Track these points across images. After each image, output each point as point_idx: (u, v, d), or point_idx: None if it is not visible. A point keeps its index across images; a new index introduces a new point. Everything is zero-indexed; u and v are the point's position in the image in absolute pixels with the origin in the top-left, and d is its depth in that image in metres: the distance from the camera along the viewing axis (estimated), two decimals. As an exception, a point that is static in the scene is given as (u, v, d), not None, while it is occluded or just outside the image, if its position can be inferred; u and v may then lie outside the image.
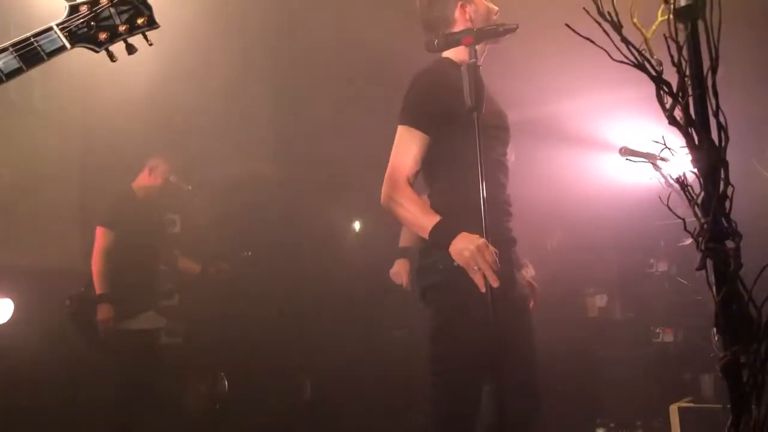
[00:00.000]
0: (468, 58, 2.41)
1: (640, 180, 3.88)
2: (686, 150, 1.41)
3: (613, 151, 3.72)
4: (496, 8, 2.60)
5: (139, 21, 1.61)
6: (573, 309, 4.69)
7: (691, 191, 1.39)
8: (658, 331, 4.31)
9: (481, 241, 2.14)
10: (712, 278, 1.35)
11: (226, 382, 5.24)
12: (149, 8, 1.62)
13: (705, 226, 1.25)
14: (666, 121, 1.41)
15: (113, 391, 4.43)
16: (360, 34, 4.65)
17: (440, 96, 2.34)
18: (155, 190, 4.57)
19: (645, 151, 3.52)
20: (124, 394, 4.30)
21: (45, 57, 1.51)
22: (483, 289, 2.12)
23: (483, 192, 2.15)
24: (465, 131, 2.21)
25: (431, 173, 2.48)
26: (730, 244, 1.28)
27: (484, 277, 2.12)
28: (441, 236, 2.26)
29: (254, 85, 5.42)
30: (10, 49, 1.49)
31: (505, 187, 2.51)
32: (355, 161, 5.14)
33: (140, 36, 1.66)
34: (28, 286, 4.86)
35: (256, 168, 5.63)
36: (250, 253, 4.88)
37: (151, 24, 1.63)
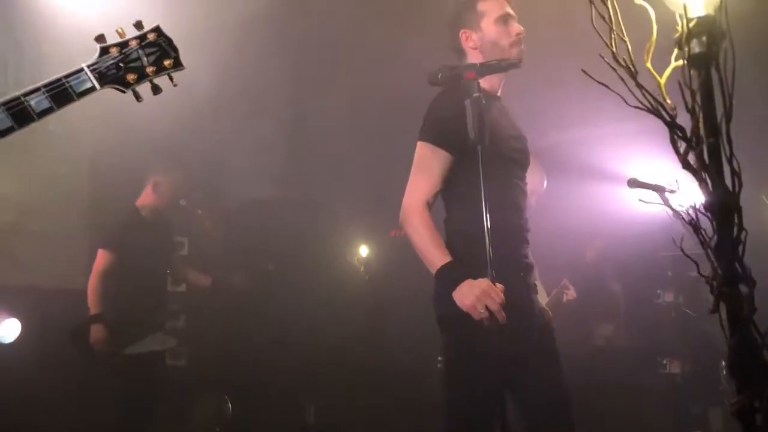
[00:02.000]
0: (490, 86, 2.44)
1: (648, 210, 3.90)
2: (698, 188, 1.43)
3: (622, 183, 3.75)
4: (519, 28, 2.50)
5: (166, 63, 1.65)
6: (578, 338, 4.68)
7: (704, 234, 1.41)
8: (665, 362, 4.28)
9: (485, 284, 2.12)
10: (725, 320, 1.36)
11: (230, 406, 5.22)
12: (176, 50, 1.66)
13: (719, 271, 1.26)
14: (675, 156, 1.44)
15: (117, 412, 4.42)
16: (374, 60, 4.71)
17: (461, 116, 2.25)
18: (160, 208, 4.47)
19: (654, 183, 3.56)
20: (128, 416, 4.28)
21: (75, 97, 1.56)
22: (488, 325, 2.12)
23: (487, 223, 2.13)
24: (482, 157, 2.18)
25: (449, 197, 2.46)
26: (743, 288, 1.29)
27: (491, 314, 2.11)
28: (446, 280, 2.25)
29: (266, 108, 5.47)
30: (42, 90, 1.53)
31: (523, 212, 2.50)
32: (367, 187, 5.18)
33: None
34: (35, 306, 4.87)
35: (266, 192, 5.66)
36: (271, 267, 4.83)
37: (177, 66, 1.67)
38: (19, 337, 4.91)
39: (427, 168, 2.38)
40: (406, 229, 2.36)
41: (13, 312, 4.91)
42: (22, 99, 1.51)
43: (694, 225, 1.41)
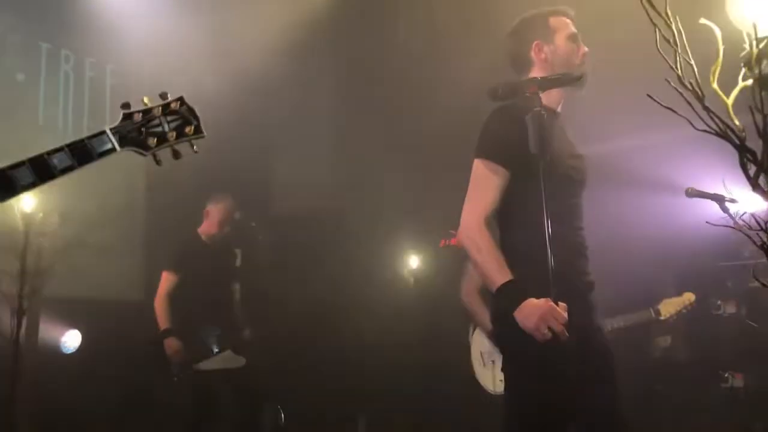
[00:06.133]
0: (549, 102, 2.42)
1: (706, 220, 3.78)
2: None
3: (678, 192, 3.66)
4: (585, 49, 2.54)
5: (187, 129, 1.74)
6: (635, 349, 4.56)
7: (776, 258, 1.37)
8: (726, 375, 4.12)
9: (546, 306, 2.11)
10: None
11: (283, 415, 5.28)
12: (197, 118, 1.76)
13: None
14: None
15: (175, 421, 4.56)
16: (421, 73, 4.73)
17: (520, 133, 2.23)
18: (214, 235, 4.73)
19: (713, 193, 3.45)
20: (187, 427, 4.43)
21: (95, 157, 1.68)
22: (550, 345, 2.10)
23: (548, 239, 2.12)
24: (542, 173, 2.16)
25: (505, 216, 2.42)
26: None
27: (554, 335, 2.10)
28: (508, 299, 2.23)
29: (316, 122, 5.54)
30: (65, 149, 1.65)
31: (581, 230, 2.47)
32: (416, 197, 5.19)
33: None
34: (95, 317, 5.04)
35: (315, 203, 5.71)
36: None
37: (198, 133, 1.76)
38: (80, 347, 5.09)
39: (485, 185, 2.36)
40: (465, 246, 2.34)
41: (75, 323, 5.09)
42: (45, 157, 1.63)
43: (766, 249, 1.37)
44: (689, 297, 3.78)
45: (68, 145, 1.65)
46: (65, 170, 1.64)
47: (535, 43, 2.53)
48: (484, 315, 3.92)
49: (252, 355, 4.67)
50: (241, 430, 4.94)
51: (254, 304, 4.92)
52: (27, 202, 4.07)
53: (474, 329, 4.23)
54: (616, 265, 3.87)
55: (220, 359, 4.48)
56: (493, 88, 2.30)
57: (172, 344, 4.37)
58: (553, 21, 2.55)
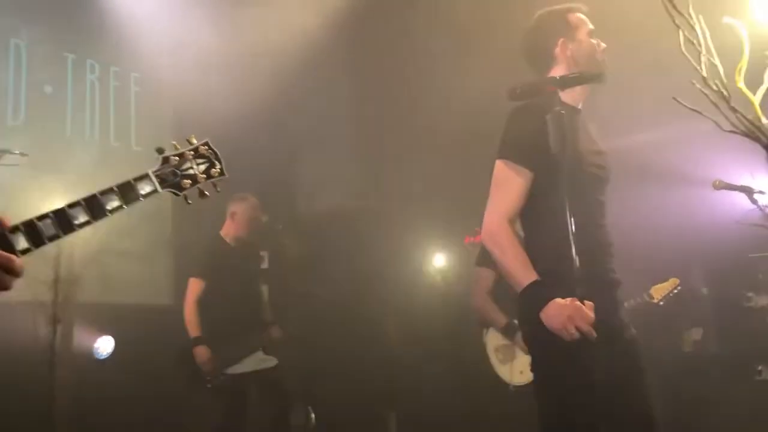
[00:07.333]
0: (572, 99, 2.41)
1: (733, 212, 3.74)
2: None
3: (705, 184, 3.61)
4: (603, 45, 2.52)
5: (213, 171, 1.90)
6: (666, 343, 4.52)
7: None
8: (760, 368, 4.08)
9: (572, 305, 2.09)
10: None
11: (313, 416, 5.32)
12: (221, 161, 1.93)
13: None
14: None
15: (207, 425, 4.60)
16: (442, 71, 4.73)
17: (541, 132, 2.22)
18: (241, 235, 4.65)
19: (740, 185, 3.40)
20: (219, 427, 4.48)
21: (141, 198, 1.78)
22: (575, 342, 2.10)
23: (572, 239, 2.11)
24: (564, 172, 2.15)
25: (528, 215, 2.41)
26: None
27: (582, 334, 2.09)
28: (533, 299, 2.22)
29: (339, 123, 5.56)
30: (115, 189, 1.73)
31: (605, 228, 2.44)
32: (441, 194, 5.19)
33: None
34: (126, 322, 5.11)
35: (341, 202, 5.74)
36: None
37: (222, 174, 1.92)
38: (113, 352, 5.16)
39: (507, 186, 2.36)
40: (490, 247, 2.33)
41: (107, 328, 5.17)
42: (98, 197, 1.71)
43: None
44: (674, 282, 4.00)
45: (117, 186, 1.74)
46: (114, 210, 1.73)
47: (561, 40, 2.50)
48: (496, 314, 3.97)
49: (282, 356, 4.69)
50: (271, 430, 5.00)
51: (283, 304, 4.95)
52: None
53: (488, 330, 4.24)
54: (642, 260, 3.85)
55: (252, 361, 4.47)
56: (512, 87, 2.29)
57: (202, 353, 4.33)
58: (572, 18, 2.53)
